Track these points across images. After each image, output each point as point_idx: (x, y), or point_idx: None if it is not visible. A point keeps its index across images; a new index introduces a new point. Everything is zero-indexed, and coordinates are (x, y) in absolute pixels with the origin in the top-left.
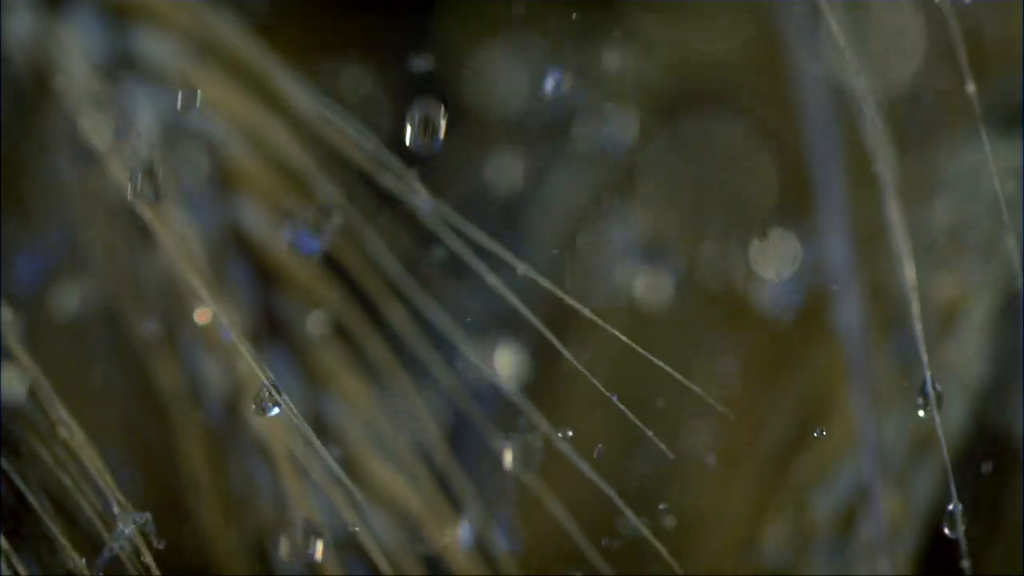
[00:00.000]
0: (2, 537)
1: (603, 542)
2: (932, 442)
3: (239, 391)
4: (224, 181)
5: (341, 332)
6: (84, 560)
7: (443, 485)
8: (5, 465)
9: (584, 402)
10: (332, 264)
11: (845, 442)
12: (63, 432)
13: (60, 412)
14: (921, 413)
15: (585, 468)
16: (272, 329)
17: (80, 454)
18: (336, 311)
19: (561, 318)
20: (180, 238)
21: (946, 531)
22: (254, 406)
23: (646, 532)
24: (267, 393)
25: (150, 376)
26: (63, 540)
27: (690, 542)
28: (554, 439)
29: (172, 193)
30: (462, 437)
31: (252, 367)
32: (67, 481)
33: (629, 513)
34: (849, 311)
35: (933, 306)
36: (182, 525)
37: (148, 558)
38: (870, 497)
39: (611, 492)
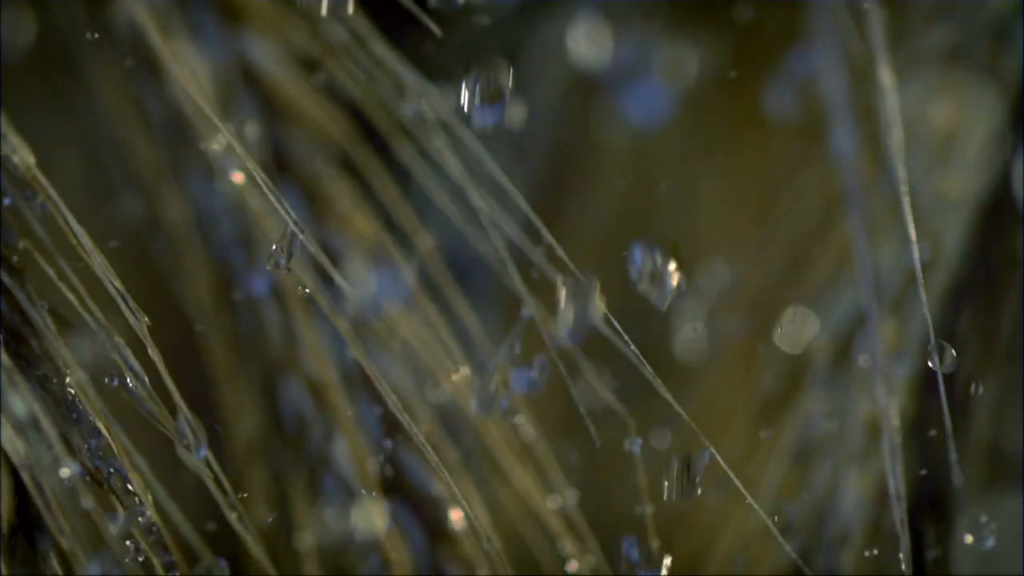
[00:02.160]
0: (3, 355)
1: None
2: (929, 267)
3: (248, 227)
4: (233, 16)
5: (350, 168)
6: (89, 378)
7: (452, 323)
8: (7, 281)
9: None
10: (342, 99)
11: (841, 269)
12: (73, 241)
13: (69, 219)
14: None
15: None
16: (281, 165)
17: (90, 263)
18: (345, 147)
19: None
20: (190, 72)
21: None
22: (269, 265)
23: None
24: (282, 249)
25: (158, 212)
26: (69, 359)
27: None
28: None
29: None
30: (471, 275)
31: (265, 207)
32: (73, 298)
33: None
34: (844, 138)
35: (931, 131)
36: (190, 365)
37: None
38: (866, 324)
39: (618, 330)
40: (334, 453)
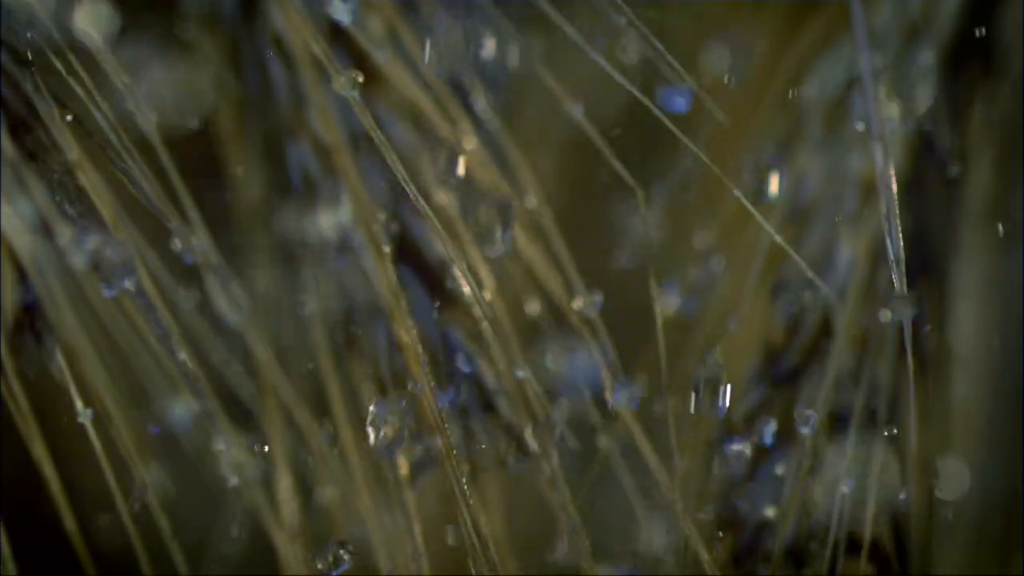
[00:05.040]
0: (10, 146)
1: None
2: (926, 30)
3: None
4: None
5: None
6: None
7: (457, 90)
8: (13, 72)
9: None
10: None
11: (836, 31)
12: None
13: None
14: None
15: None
16: None
17: (97, 60)
18: None
19: None
20: None
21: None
22: None
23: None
24: None
25: None
26: (74, 152)
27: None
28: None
29: None
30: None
31: None
32: (80, 91)
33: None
34: None
35: None
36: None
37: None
38: (862, 86)
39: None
40: (340, 216)
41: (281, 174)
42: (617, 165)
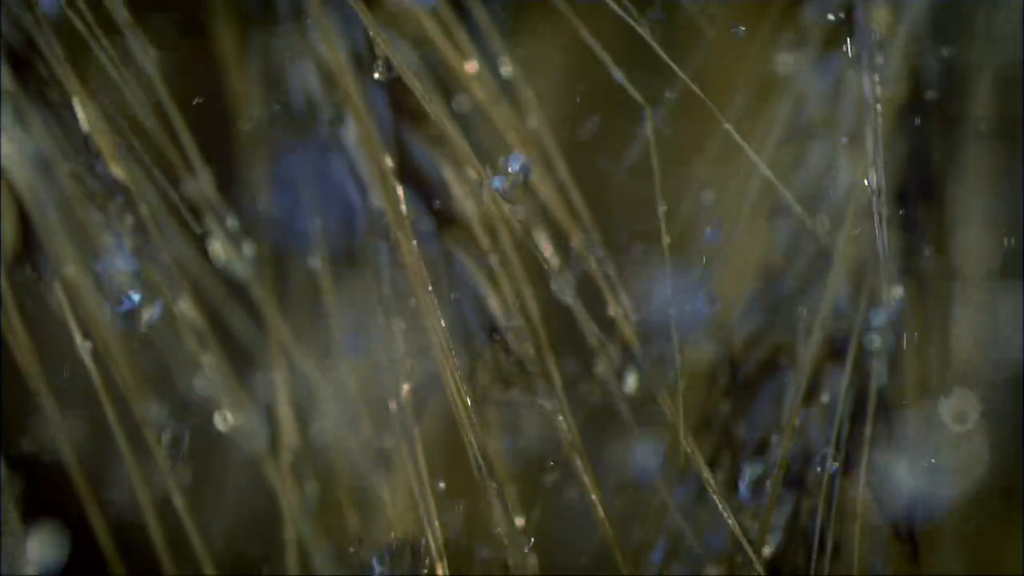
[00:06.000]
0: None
1: None
2: None
3: None
4: None
5: None
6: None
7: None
8: (14, 6)
9: None
10: None
11: None
12: None
13: None
14: None
15: None
16: None
17: None
18: None
19: None
20: None
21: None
22: None
23: None
24: None
25: None
26: (76, 89)
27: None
28: None
29: None
30: None
31: None
32: (81, 27)
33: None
34: None
35: None
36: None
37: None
38: (855, 8)
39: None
40: (344, 137)
41: (283, 96)
42: (624, 81)
